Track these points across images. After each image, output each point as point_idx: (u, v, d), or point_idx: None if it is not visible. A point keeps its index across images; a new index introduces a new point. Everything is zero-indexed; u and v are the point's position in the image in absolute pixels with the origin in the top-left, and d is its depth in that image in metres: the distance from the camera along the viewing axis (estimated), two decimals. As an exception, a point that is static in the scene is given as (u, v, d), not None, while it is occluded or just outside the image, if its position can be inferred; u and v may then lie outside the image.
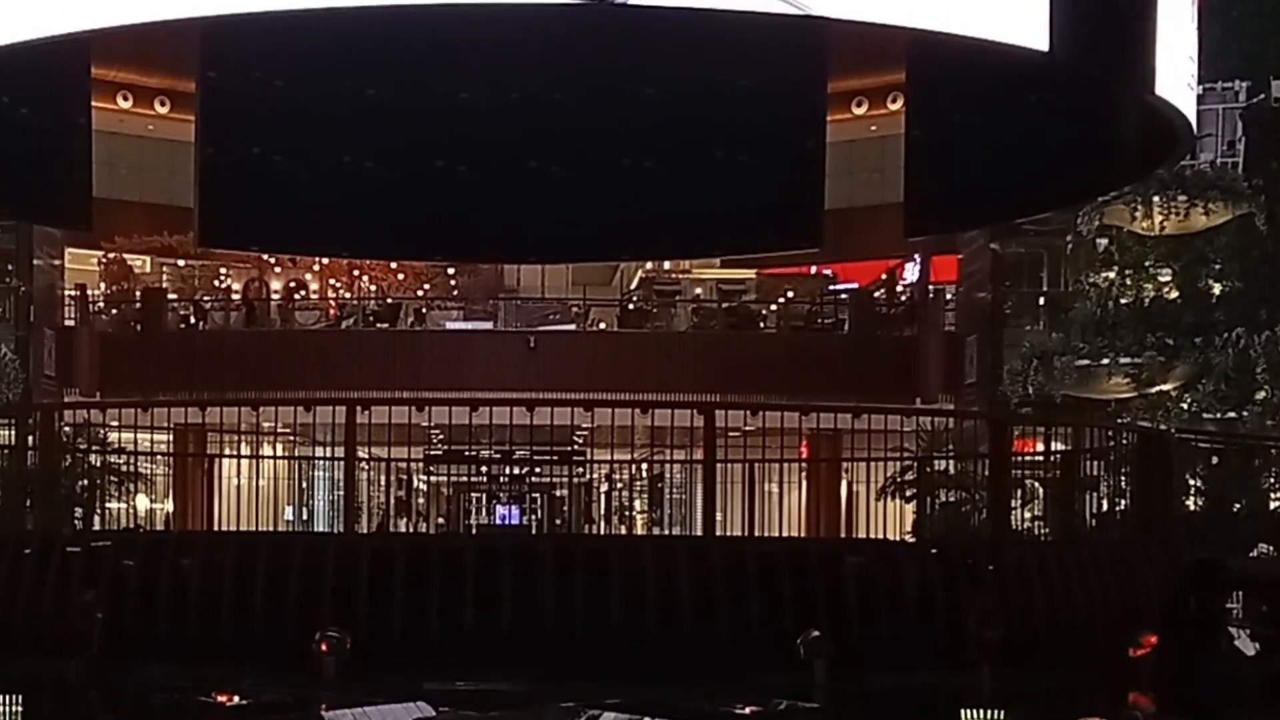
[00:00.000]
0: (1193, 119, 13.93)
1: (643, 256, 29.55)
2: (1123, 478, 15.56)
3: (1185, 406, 20.56)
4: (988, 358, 26.11)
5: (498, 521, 40.51)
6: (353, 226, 16.54)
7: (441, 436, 24.62)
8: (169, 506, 23.21)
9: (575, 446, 29.34)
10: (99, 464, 17.44)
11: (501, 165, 15.55)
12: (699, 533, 15.97)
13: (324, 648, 12.06)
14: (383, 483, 18.79)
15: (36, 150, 14.49)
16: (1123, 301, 21.56)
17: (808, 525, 24.79)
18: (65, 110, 14.51)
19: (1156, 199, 20.28)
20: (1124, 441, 15.83)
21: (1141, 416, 20.37)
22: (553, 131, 15.38)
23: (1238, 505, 18.54)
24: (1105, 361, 20.71)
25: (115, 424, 16.51)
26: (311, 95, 15.14)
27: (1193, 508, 18.60)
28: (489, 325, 30.46)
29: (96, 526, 16.26)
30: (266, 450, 17.86)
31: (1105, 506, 15.66)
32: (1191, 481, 18.76)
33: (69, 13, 11.16)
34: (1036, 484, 16.65)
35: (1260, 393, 20.09)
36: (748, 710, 11.70)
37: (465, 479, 39.09)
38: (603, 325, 31.26)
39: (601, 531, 35.75)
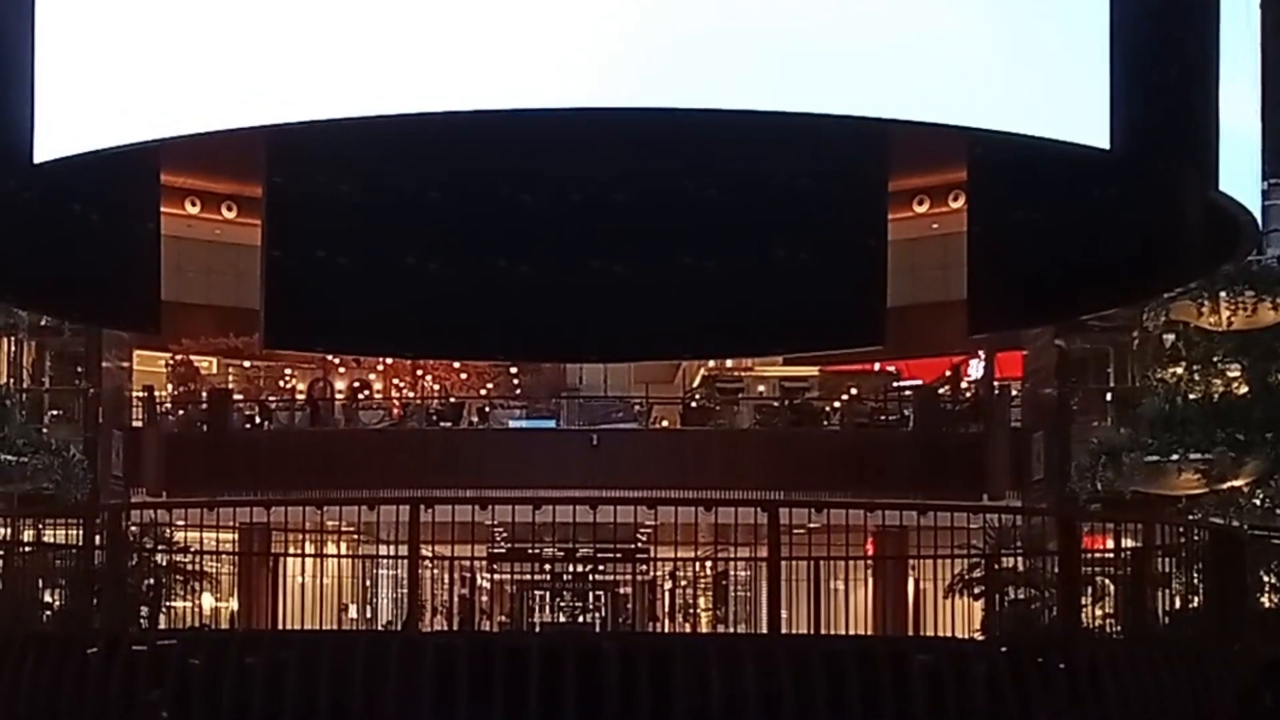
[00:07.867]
0: (1258, 214, 13.82)
1: (705, 355, 29.54)
2: (1195, 575, 15.32)
3: (1258, 503, 20.26)
4: (1055, 454, 25.86)
5: (561, 619, 40.37)
6: (416, 327, 16.63)
7: (505, 534, 24.64)
8: (234, 605, 23.25)
9: (639, 544, 29.25)
10: (165, 563, 17.55)
11: (564, 265, 15.63)
12: (764, 630, 15.80)
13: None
14: (446, 581, 18.79)
15: (107, 256, 14.68)
16: (1191, 397, 21.32)
17: (874, 623, 24.52)
18: (135, 216, 14.70)
19: (1223, 294, 20.09)
20: (1195, 538, 15.61)
21: (1213, 513, 20.07)
22: (614, 232, 15.45)
23: (1313, 603, 18.23)
24: (1175, 457, 20.44)
25: (181, 523, 16.62)
26: (375, 198, 15.30)
27: (1267, 605, 18.29)
28: (552, 424, 30.52)
29: (162, 625, 16.32)
30: (331, 549, 17.90)
31: (1178, 604, 15.43)
32: (1265, 578, 18.46)
33: (138, 123, 11.33)
34: (1107, 581, 16.41)
35: (1333, 488, 19.79)
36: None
37: (529, 577, 39.01)
38: (665, 423, 31.26)
39: (666, 629, 35.57)
